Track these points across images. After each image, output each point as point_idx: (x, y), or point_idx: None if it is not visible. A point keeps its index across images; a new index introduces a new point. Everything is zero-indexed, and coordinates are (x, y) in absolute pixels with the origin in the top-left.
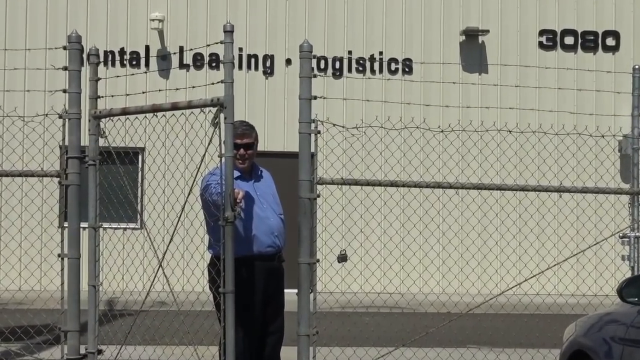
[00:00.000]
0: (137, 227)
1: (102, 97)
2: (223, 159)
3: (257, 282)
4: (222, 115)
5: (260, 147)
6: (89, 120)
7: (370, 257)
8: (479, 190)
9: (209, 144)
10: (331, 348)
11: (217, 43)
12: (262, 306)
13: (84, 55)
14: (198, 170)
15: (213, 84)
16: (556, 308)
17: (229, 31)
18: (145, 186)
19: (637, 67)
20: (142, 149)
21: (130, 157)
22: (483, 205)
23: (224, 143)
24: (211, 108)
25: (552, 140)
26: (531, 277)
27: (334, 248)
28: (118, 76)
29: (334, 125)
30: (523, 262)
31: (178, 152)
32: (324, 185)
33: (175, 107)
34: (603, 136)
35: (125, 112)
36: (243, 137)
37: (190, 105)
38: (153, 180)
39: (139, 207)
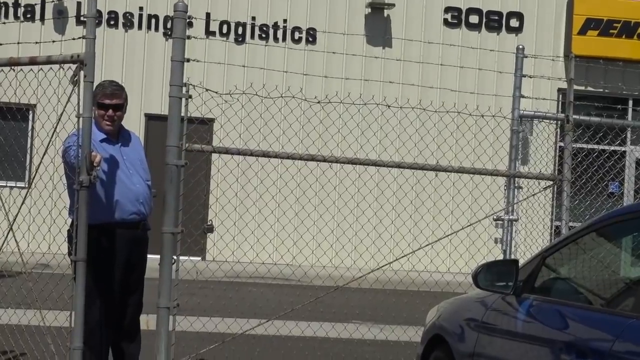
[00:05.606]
0: None
1: None
2: (81, 119)
3: (118, 250)
4: (82, 73)
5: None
6: None
7: (262, 231)
8: (377, 168)
9: (67, 103)
10: (193, 320)
11: None
12: (123, 275)
13: None
14: (55, 131)
15: (74, 39)
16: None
17: None
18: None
19: (521, 47)
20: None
21: None
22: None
23: (82, 103)
24: (71, 65)
25: (454, 119)
26: (402, 257)
27: (225, 220)
28: None
29: (207, 90)
30: (401, 235)
31: (38, 111)
32: (219, 155)
33: (33, 61)
34: (504, 117)
35: None
36: (113, 97)
37: (49, 61)
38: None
39: None
